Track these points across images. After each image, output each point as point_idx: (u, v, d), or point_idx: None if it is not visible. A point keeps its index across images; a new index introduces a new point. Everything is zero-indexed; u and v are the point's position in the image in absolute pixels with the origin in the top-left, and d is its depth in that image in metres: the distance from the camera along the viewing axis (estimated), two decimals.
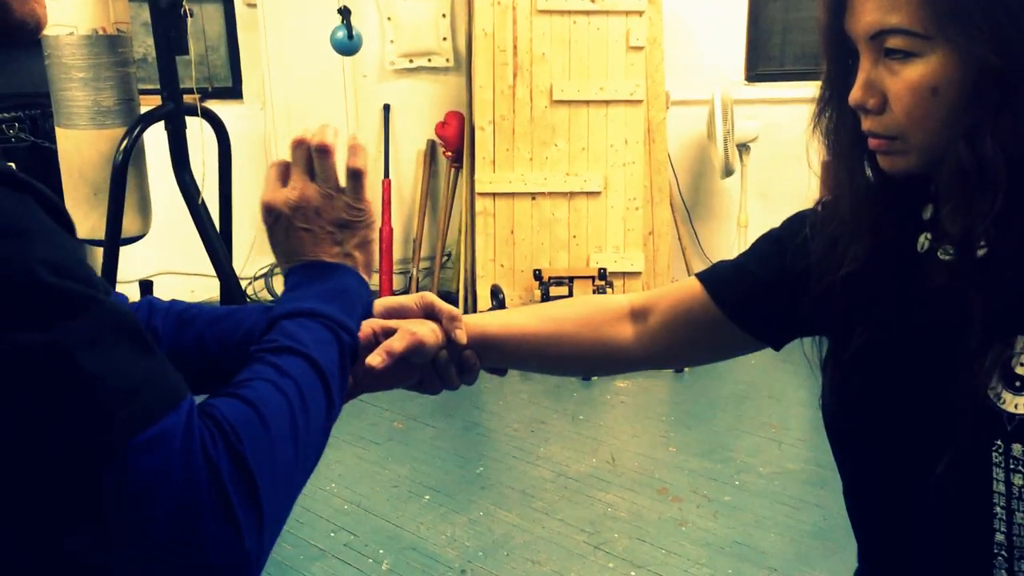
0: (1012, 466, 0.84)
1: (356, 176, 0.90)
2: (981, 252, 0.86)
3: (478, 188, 4.62)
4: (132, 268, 5.02)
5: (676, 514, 2.91)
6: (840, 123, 0.94)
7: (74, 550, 0.67)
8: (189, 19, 3.67)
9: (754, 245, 1.09)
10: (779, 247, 1.05)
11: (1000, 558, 0.87)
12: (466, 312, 4.75)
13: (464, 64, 4.81)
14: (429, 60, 4.91)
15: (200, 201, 3.96)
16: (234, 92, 5.04)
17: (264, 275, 5.10)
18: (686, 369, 4.01)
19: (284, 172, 0.91)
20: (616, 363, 1.11)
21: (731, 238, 4.76)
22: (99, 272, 4.14)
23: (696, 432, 3.48)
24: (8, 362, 0.56)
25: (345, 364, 0.81)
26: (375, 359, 0.94)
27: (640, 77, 4.57)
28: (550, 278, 4.45)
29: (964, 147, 0.83)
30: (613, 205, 4.61)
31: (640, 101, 4.58)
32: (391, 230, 4.89)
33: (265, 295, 5.06)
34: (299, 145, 0.91)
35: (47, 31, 3.60)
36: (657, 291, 1.12)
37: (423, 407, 3.68)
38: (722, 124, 4.48)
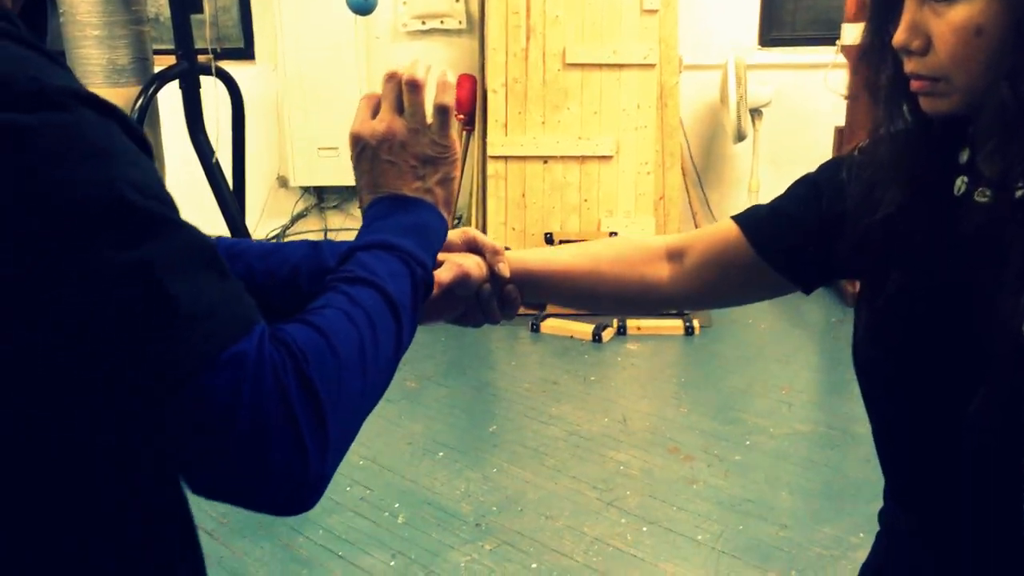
0: None
1: (443, 112, 0.91)
2: (1019, 193, 0.88)
3: (490, 151, 4.62)
4: None
5: (687, 472, 2.95)
6: (882, 66, 0.95)
7: (147, 461, 0.70)
8: None
9: (790, 189, 1.11)
10: (816, 191, 1.06)
11: None
12: None
13: (477, 26, 4.80)
14: (442, 22, 4.89)
15: (214, 161, 3.97)
16: (246, 53, 5.03)
17: (275, 237, 5.12)
18: (697, 332, 4.03)
19: (375, 105, 0.93)
20: (651, 302, 1.14)
21: (742, 204, 4.77)
22: None
23: (707, 393, 3.51)
24: (94, 278, 0.58)
25: (418, 297, 0.82)
26: None
27: (653, 41, 4.56)
28: (561, 241, 4.47)
29: (1007, 88, 0.84)
30: (624, 169, 4.61)
31: (653, 65, 4.57)
32: None
33: None
34: (391, 79, 0.92)
35: None
36: (693, 232, 1.15)
37: (436, 367, 3.71)
38: (735, 89, 4.48)
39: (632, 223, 4.59)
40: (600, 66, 4.57)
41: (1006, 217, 0.88)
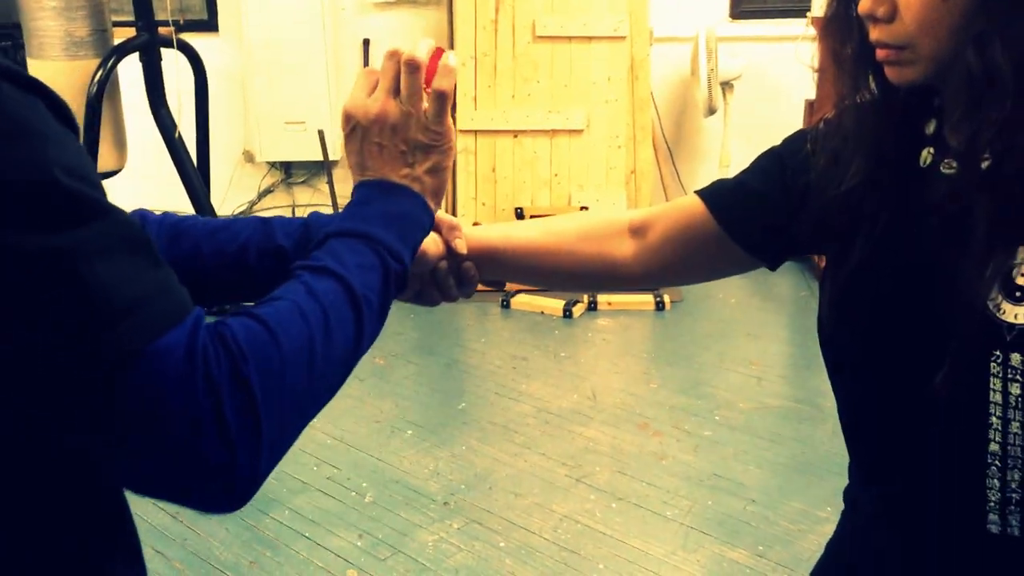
0: (1010, 376, 0.84)
1: (441, 98, 0.87)
2: (985, 164, 0.86)
3: (459, 125, 4.57)
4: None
5: (656, 448, 2.94)
6: (848, 35, 0.92)
7: (74, 452, 0.66)
8: None
9: (755, 162, 1.08)
10: (780, 164, 1.04)
11: (994, 468, 0.88)
12: None
13: None
14: None
15: (177, 135, 3.89)
16: (209, 25, 4.93)
17: (243, 212, 5.05)
18: (667, 307, 4.02)
19: (373, 83, 0.88)
20: (614, 279, 1.11)
21: (713, 177, 4.72)
22: None
23: (677, 369, 3.51)
24: (13, 264, 0.55)
25: (388, 292, 0.78)
26: None
27: (624, 13, 4.51)
28: (531, 216, 4.43)
29: (973, 53, 0.82)
30: (595, 143, 4.58)
31: (623, 37, 4.52)
32: None
33: None
34: (391, 57, 0.87)
35: None
36: (657, 208, 1.12)
37: (405, 344, 3.68)
38: (706, 62, 4.45)
39: (603, 197, 4.56)
40: (570, 38, 4.53)
41: (972, 189, 0.86)
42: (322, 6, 4.70)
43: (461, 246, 1.01)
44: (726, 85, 4.65)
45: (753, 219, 1.04)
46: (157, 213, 0.97)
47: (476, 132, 4.57)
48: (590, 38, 4.52)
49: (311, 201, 5.09)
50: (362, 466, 2.86)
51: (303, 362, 0.66)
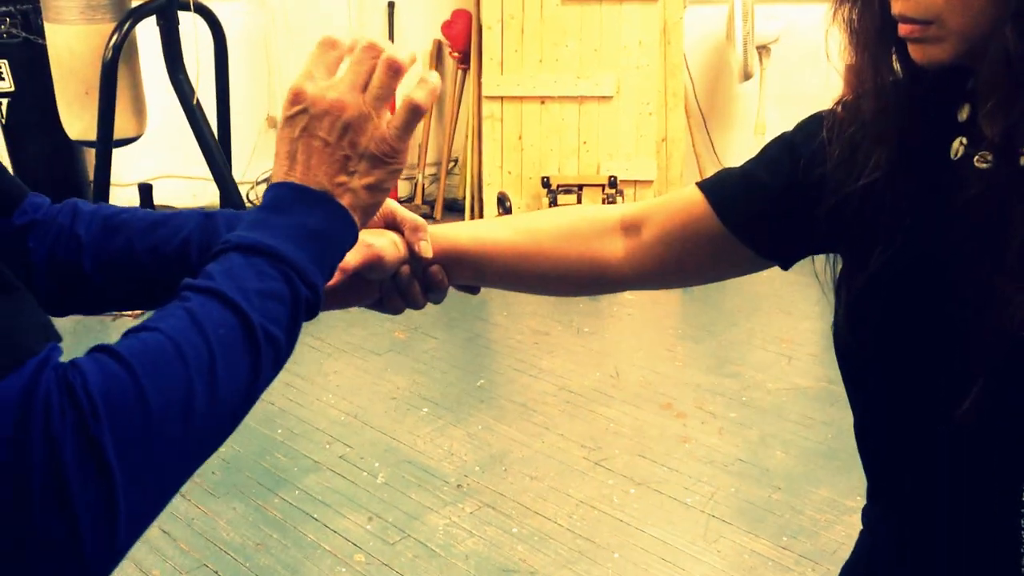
0: None
1: (412, 112, 0.74)
2: None
3: (485, 91, 4.45)
4: (131, 171, 4.90)
5: (679, 430, 2.84)
6: (865, 7, 0.80)
7: None
8: None
9: (764, 150, 0.96)
10: (792, 153, 0.92)
11: None
12: (473, 221, 4.65)
13: None
14: None
15: (195, 102, 3.81)
16: None
17: (265, 179, 4.98)
18: None
19: (334, 62, 0.76)
20: (603, 282, 1.00)
21: (748, 145, 4.59)
22: (91, 175, 4.04)
23: (704, 346, 3.39)
24: None
25: (295, 324, 0.67)
26: None
27: None
28: (559, 186, 4.32)
29: (1012, 32, 0.70)
30: (625, 110, 4.43)
31: (656, 0, 4.35)
32: None
33: None
34: (370, 49, 0.75)
35: None
36: (652, 201, 1.00)
37: (426, 317, 3.59)
38: (742, 25, 4.27)
39: (633, 166, 4.43)
40: (600, 1, 4.37)
41: (1009, 187, 0.75)
42: None
43: (425, 249, 0.90)
44: (763, 49, 4.47)
45: (760, 215, 0.93)
46: (92, 204, 0.88)
47: (502, 98, 4.44)
48: (621, 0, 4.36)
49: None
50: (376, 445, 2.79)
51: (176, 416, 0.55)
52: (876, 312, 0.87)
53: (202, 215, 0.88)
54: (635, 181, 4.45)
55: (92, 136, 3.73)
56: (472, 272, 0.96)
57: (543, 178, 4.35)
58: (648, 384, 3.11)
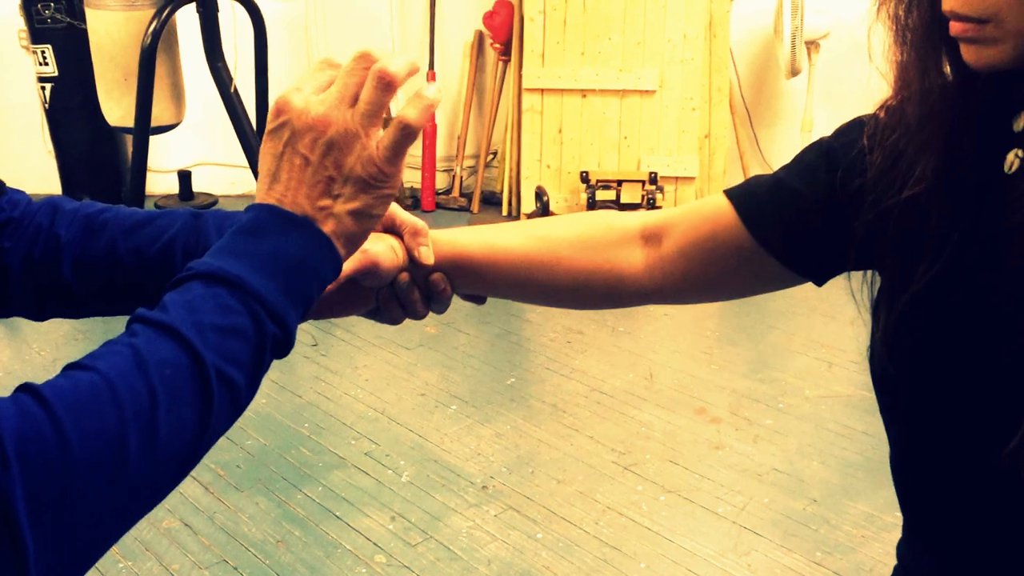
0: None
1: (404, 132, 0.67)
2: None
3: (525, 83, 4.38)
4: (171, 158, 4.91)
5: (713, 436, 2.76)
6: (912, 2, 0.73)
7: None
8: None
9: (799, 157, 0.89)
10: (829, 160, 0.85)
11: None
12: (510, 216, 4.59)
13: None
14: None
15: (232, 89, 3.80)
16: None
17: None
18: None
19: (327, 81, 0.69)
20: (620, 295, 0.93)
21: (794, 143, 4.47)
22: (129, 161, 4.04)
23: (741, 349, 3.30)
24: None
25: (259, 364, 0.60)
26: None
27: None
28: (597, 181, 4.24)
29: None
30: (668, 105, 4.34)
31: None
32: (435, 126, 4.69)
33: None
34: (361, 60, 0.68)
35: None
36: (675, 210, 0.94)
37: (458, 312, 3.55)
38: (790, 19, 4.15)
39: (674, 162, 4.34)
40: None
41: None
42: None
43: (426, 255, 0.84)
44: (811, 44, 4.34)
45: (792, 228, 0.86)
46: (74, 202, 0.83)
47: (543, 91, 4.37)
48: None
49: None
50: (402, 442, 2.75)
51: (103, 468, 0.49)
52: (916, 337, 0.79)
53: (190, 214, 0.82)
54: (676, 178, 4.35)
55: (130, 123, 3.73)
56: (478, 281, 0.89)
57: (582, 173, 4.28)
58: (682, 387, 3.04)
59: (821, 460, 2.64)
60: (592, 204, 4.18)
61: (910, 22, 0.73)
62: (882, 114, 0.82)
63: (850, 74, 4.32)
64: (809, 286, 0.84)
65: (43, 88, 4.64)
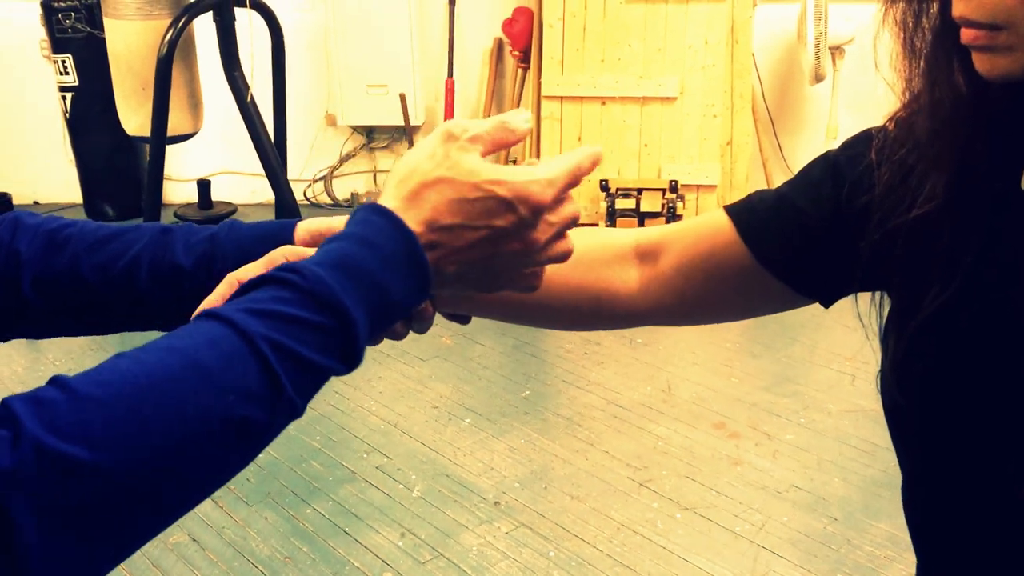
0: None
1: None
2: None
3: (545, 91, 4.34)
4: (190, 167, 4.91)
5: (732, 452, 2.70)
6: (922, 7, 0.68)
7: None
8: None
9: (804, 171, 0.84)
10: (836, 175, 0.80)
11: None
12: None
13: None
14: None
15: (249, 99, 3.78)
16: None
17: (323, 177, 4.94)
18: None
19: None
20: (612, 316, 0.88)
21: (818, 150, 4.37)
22: (146, 170, 4.03)
23: (762, 362, 3.23)
24: None
25: (323, 370, 0.57)
26: None
27: None
28: (617, 189, 4.18)
29: None
30: (689, 112, 4.28)
31: None
32: None
33: (324, 199, 4.91)
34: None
35: None
36: (672, 226, 0.89)
37: (475, 323, 3.45)
38: (814, 25, 4.08)
39: (696, 170, 4.27)
40: None
41: None
42: None
43: None
44: (836, 50, 4.27)
45: (796, 246, 0.81)
46: (38, 217, 0.79)
47: (562, 98, 4.33)
48: None
49: (393, 167, 4.94)
50: (414, 456, 2.71)
51: (131, 450, 0.47)
52: (927, 364, 0.74)
53: (158, 230, 0.78)
54: (698, 186, 4.29)
55: (148, 132, 3.73)
56: (462, 299, 0.84)
57: (602, 181, 4.22)
58: (701, 401, 2.97)
59: (843, 477, 2.57)
60: (612, 213, 4.13)
61: (918, 30, 0.67)
62: (891, 127, 0.77)
63: (876, 80, 4.24)
64: None
65: (64, 98, 4.66)
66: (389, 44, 4.57)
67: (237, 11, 3.73)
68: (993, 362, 0.70)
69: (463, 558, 2.28)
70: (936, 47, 0.67)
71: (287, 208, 3.82)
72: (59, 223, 0.79)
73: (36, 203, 4.97)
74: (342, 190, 4.95)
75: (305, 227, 0.77)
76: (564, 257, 0.68)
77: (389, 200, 0.62)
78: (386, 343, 0.81)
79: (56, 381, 0.49)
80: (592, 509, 2.46)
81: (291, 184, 4.03)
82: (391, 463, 2.68)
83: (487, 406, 2.97)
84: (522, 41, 4.49)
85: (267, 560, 2.29)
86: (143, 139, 3.86)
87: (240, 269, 0.66)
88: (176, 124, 3.77)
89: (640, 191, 4.16)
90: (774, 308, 0.89)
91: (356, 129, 4.88)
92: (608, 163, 4.33)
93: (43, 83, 4.77)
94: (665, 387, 3.06)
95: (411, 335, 0.86)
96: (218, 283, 0.66)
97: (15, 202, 4.83)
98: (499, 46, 4.67)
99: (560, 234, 0.66)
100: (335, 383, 3.09)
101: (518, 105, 4.63)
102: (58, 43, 4.57)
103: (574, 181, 0.66)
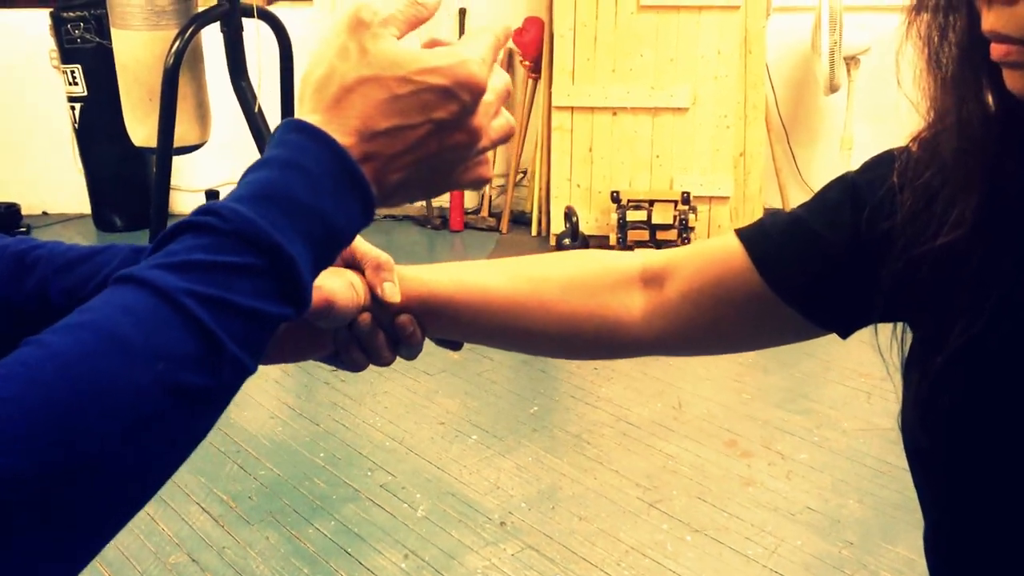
0: None
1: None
2: None
3: (555, 101, 4.29)
4: (198, 177, 4.89)
5: (743, 471, 2.63)
6: (948, 21, 0.63)
7: None
8: None
9: (820, 194, 0.79)
10: (855, 199, 0.75)
11: None
12: (539, 235, 4.50)
13: None
14: None
15: (256, 109, 3.75)
16: None
17: None
18: None
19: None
20: (615, 345, 0.82)
21: (833, 161, 4.34)
22: (153, 181, 4.00)
23: (775, 378, 3.17)
24: None
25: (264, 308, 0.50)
26: None
27: None
28: (628, 201, 4.13)
29: None
30: (701, 122, 4.22)
31: (737, 7, 4.15)
32: None
33: None
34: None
35: None
36: (681, 250, 0.83)
37: None
38: (828, 35, 4.02)
39: (708, 181, 4.22)
40: (678, 8, 4.18)
41: None
42: None
43: (391, 293, 0.72)
44: (851, 60, 4.21)
45: (812, 274, 0.75)
46: (5, 238, 0.75)
47: (573, 109, 4.28)
48: (700, 8, 4.16)
49: None
50: (419, 474, 2.65)
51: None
52: (956, 403, 0.69)
53: (130, 250, 0.74)
54: (710, 197, 4.24)
55: (155, 143, 3.70)
56: (453, 324, 0.78)
57: (613, 192, 4.17)
58: (712, 418, 2.91)
59: (858, 499, 2.50)
60: (623, 224, 4.08)
61: (944, 44, 0.62)
62: (914, 147, 0.72)
63: (892, 91, 4.18)
64: None
65: (73, 108, 4.65)
66: None
67: (245, 21, 3.71)
68: (1019, 399, 0.64)
69: None
70: (964, 63, 0.62)
71: None
72: (27, 245, 0.75)
73: (45, 213, 4.96)
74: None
75: None
76: (509, 135, 0.61)
77: (308, 113, 0.56)
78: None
79: None
80: (600, 530, 2.40)
81: None
82: (396, 481, 2.62)
83: (494, 422, 2.92)
84: (532, 51, 4.45)
85: None
86: (150, 150, 3.83)
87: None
88: (183, 134, 3.74)
89: (652, 203, 4.11)
90: (788, 339, 0.83)
91: None
92: (619, 174, 4.28)
93: (52, 93, 4.76)
94: (676, 403, 3.00)
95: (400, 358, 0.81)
96: None
97: (24, 212, 4.82)
98: (509, 56, 4.63)
99: (498, 112, 0.60)
100: (341, 398, 3.04)
101: (529, 115, 4.59)
102: (67, 53, 4.56)
103: (497, 55, 0.60)
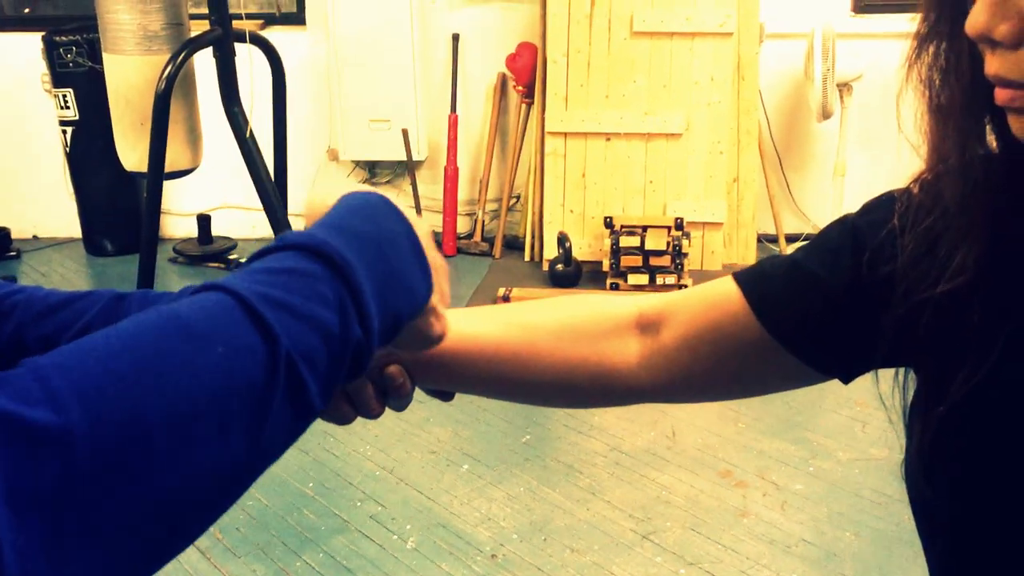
0: None
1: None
2: None
3: (548, 126, 4.29)
4: (190, 201, 4.86)
5: (738, 502, 2.60)
6: (950, 64, 0.61)
7: None
8: None
9: (820, 237, 0.77)
10: (855, 241, 0.73)
11: None
12: (532, 260, 4.48)
13: None
14: None
15: (248, 134, 3.73)
16: (298, 18, 4.78)
17: None
18: None
19: None
20: (611, 393, 0.80)
21: (826, 188, 4.33)
22: (144, 206, 3.98)
23: (770, 407, 3.14)
24: None
25: (334, 370, 0.52)
26: None
27: (731, 6, 4.14)
28: (622, 227, 4.11)
29: None
30: (695, 148, 4.22)
31: (730, 34, 4.15)
32: (457, 169, 4.60)
33: None
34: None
35: None
36: (678, 294, 0.81)
37: None
38: (821, 62, 4.03)
39: (701, 207, 4.21)
40: (671, 34, 4.18)
41: None
42: (411, 0, 4.48)
43: None
44: (844, 87, 4.22)
45: (812, 319, 0.73)
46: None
47: (566, 134, 4.28)
48: (693, 34, 4.16)
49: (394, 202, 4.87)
50: (409, 505, 2.62)
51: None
52: (960, 453, 0.67)
53: (112, 296, 0.72)
54: (703, 223, 4.23)
55: (146, 168, 3.68)
56: (443, 374, 0.76)
57: (606, 218, 4.16)
58: (706, 448, 2.88)
59: (855, 531, 2.47)
60: (616, 250, 4.06)
61: (946, 89, 0.61)
62: (915, 189, 0.70)
63: (885, 118, 4.19)
64: None
65: (64, 132, 4.63)
66: (392, 79, 4.53)
67: (237, 46, 3.70)
68: (1022, 450, 0.62)
69: None
70: (966, 108, 0.61)
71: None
72: (5, 290, 0.72)
73: (35, 237, 4.92)
74: None
75: None
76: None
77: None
78: None
79: (23, 364, 0.45)
80: (593, 563, 2.36)
81: (294, 219, 3.97)
82: (385, 512, 2.59)
83: (486, 452, 2.89)
84: (526, 76, 4.45)
85: None
86: (141, 175, 3.80)
87: None
88: (175, 159, 3.72)
89: (645, 228, 4.09)
90: (788, 385, 0.81)
91: (358, 164, 4.83)
92: (613, 200, 4.27)
93: (44, 117, 4.74)
94: (670, 433, 2.97)
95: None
96: None
97: (14, 236, 4.79)
98: (503, 81, 4.63)
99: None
100: (331, 426, 3.00)
101: (522, 140, 4.59)
102: (59, 77, 4.54)
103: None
